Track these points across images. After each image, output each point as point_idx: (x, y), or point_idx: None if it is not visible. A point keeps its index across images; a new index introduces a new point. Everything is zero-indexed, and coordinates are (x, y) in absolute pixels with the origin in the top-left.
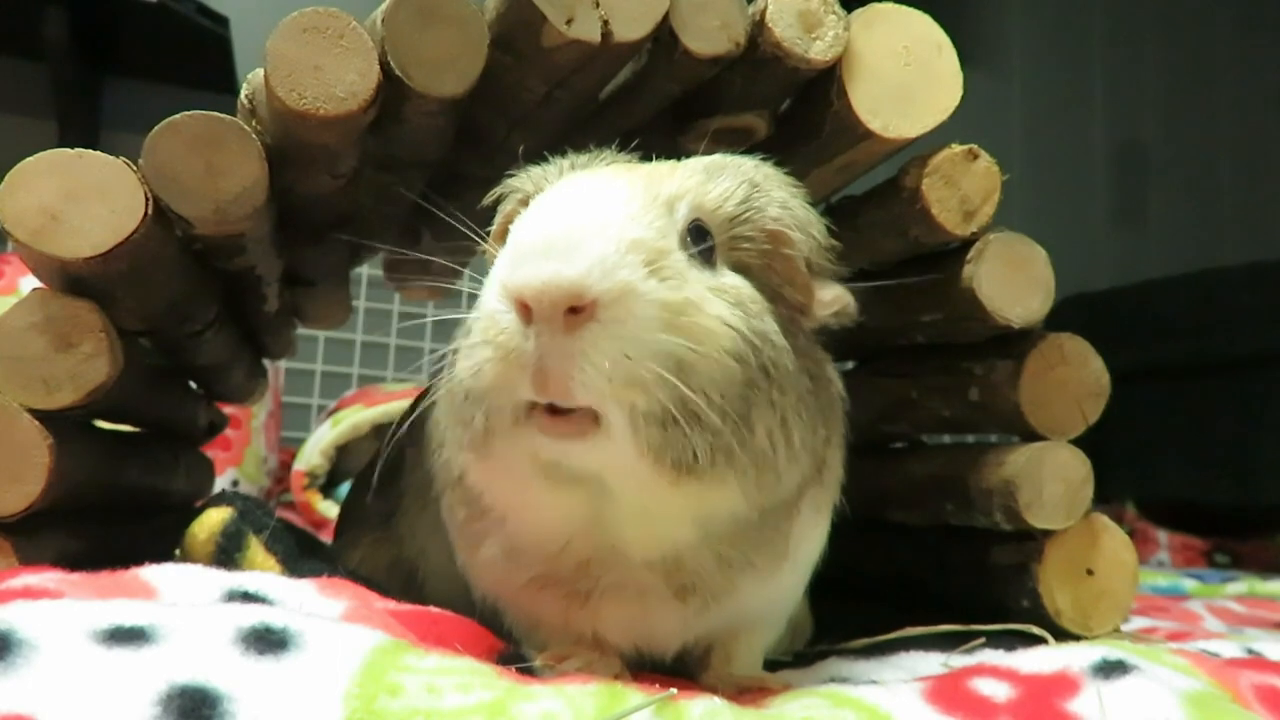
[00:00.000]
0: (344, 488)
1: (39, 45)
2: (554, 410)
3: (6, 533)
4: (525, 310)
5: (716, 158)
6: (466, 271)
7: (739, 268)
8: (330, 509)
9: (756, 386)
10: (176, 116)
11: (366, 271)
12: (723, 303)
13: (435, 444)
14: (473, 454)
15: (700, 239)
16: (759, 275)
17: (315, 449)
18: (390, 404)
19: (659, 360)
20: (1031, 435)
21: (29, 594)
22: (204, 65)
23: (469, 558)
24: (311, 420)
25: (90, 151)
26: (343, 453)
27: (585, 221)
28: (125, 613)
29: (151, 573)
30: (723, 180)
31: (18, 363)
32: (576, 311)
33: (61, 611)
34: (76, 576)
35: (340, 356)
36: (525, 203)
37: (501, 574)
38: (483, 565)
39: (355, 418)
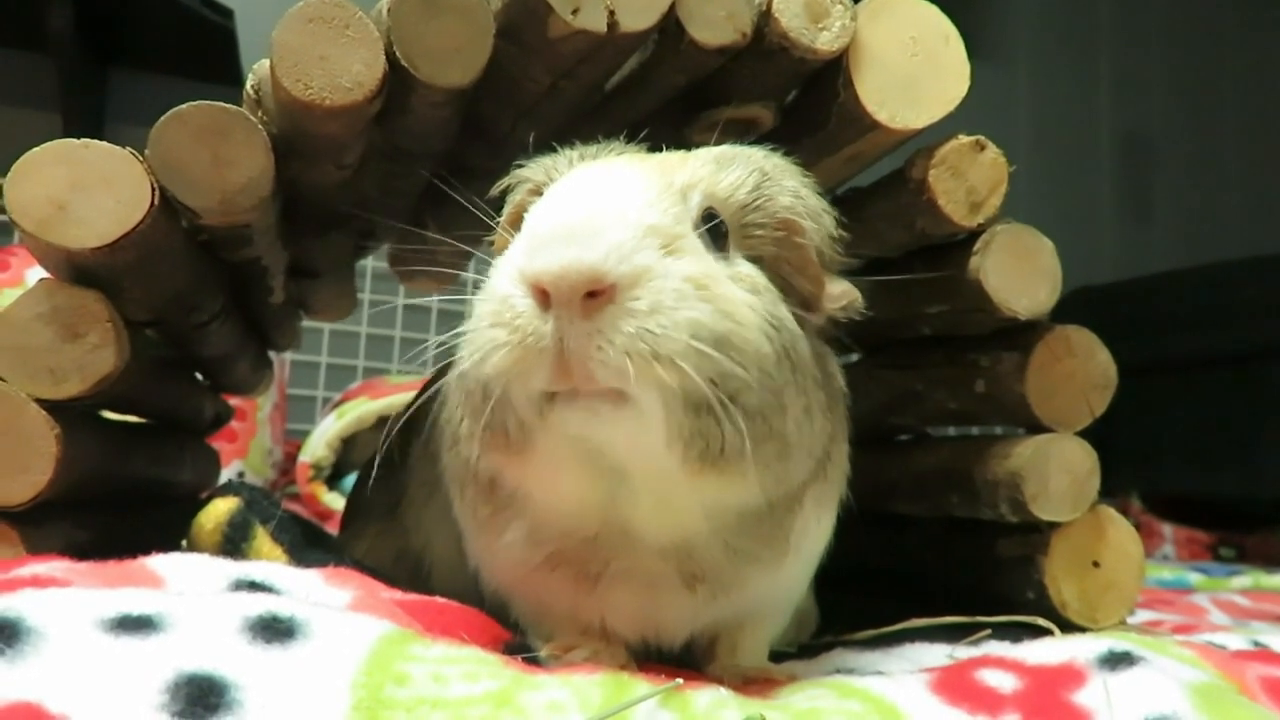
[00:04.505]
0: (349, 480)
1: (44, 37)
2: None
3: (14, 522)
4: (543, 296)
5: (726, 148)
6: (472, 261)
7: (751, 257)
8: (335, 501)
9: (784, 367)
10: (182, 107)
11: (371, 263)
12: (739, 288)
13: (449, 440)
14: (505, 454)
15: (714, 228)
16: (770, 264)
17: (320, 441)
18: (395, 396)
19: (685, 330)
20: (1038, 427)
21: (37, 583)
22: (209, 57)
23: (484, 549)
24: (317, 412)
25: (96, 142)
26: (348, 445)
27: (602, 208)
28: (133, 601)
29: (159, 562)
30: (734, 170)
31: (25, 353)
32: (595, 295)
33: (69, 600)
34: (84, 565)
35: (345, 348)
36: (535, 192)
37: (516, 559)
38: (500, 551)
39: (360, 409)
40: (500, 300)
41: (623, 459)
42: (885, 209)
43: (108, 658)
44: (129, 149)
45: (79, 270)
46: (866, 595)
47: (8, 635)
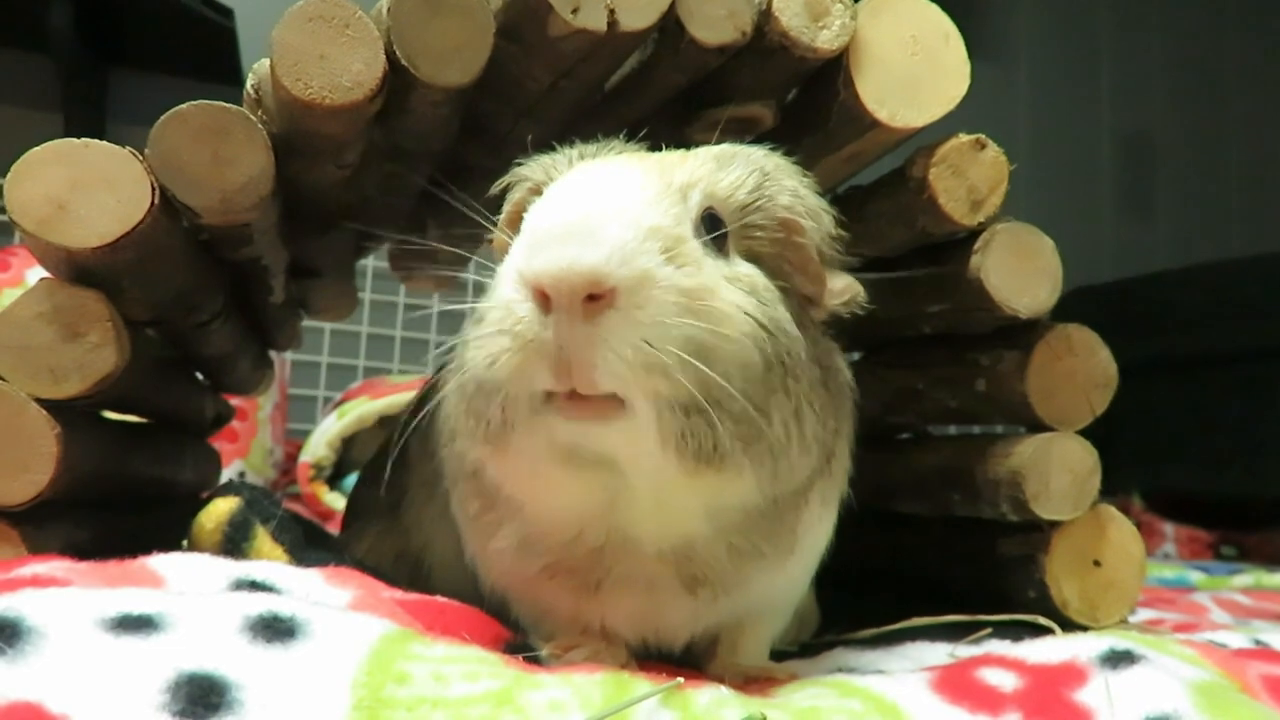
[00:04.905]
0: (350, 479)
1: (44, 37)
2: (574, 395)
3: (14, 522)
4: (543, 298)
5: (726, 147)
6: (473, 261)
7: (750, 256)
8: (336, 501)
9: (773, 374)
10: (183, 106)
11: (372, 263)
12: (738, 291)
13: (446, 436)
14: (490, 446)
15: (713, 227)
16: (770, 264)
17: (321, 441)
18: (396, 395)
19: (680, 345)
20: (1039, 426)
21: (37, 582)
22: (209, 57)
23: (480, 549)
24: (317, 412)
25: (97, 141)
26: (349, 444)
27: (602, 208)
28: (133, 601)
29: (159, 562)
30: (734, 169)
31: (25, 352)
32: (595, 299)
33: (69, 599)
34: (84, 565)
35: (346, 348)
36: (535, 191)
37: (513, 564)
38: (494, 555)
39: (361, 409)
40: (504, 306)
41: (620, 463)
42: (886, 208)
43: (108, 657)
44: (129, 148)
45: (79, 270)
46: (867, 594)
47: (8, 635)
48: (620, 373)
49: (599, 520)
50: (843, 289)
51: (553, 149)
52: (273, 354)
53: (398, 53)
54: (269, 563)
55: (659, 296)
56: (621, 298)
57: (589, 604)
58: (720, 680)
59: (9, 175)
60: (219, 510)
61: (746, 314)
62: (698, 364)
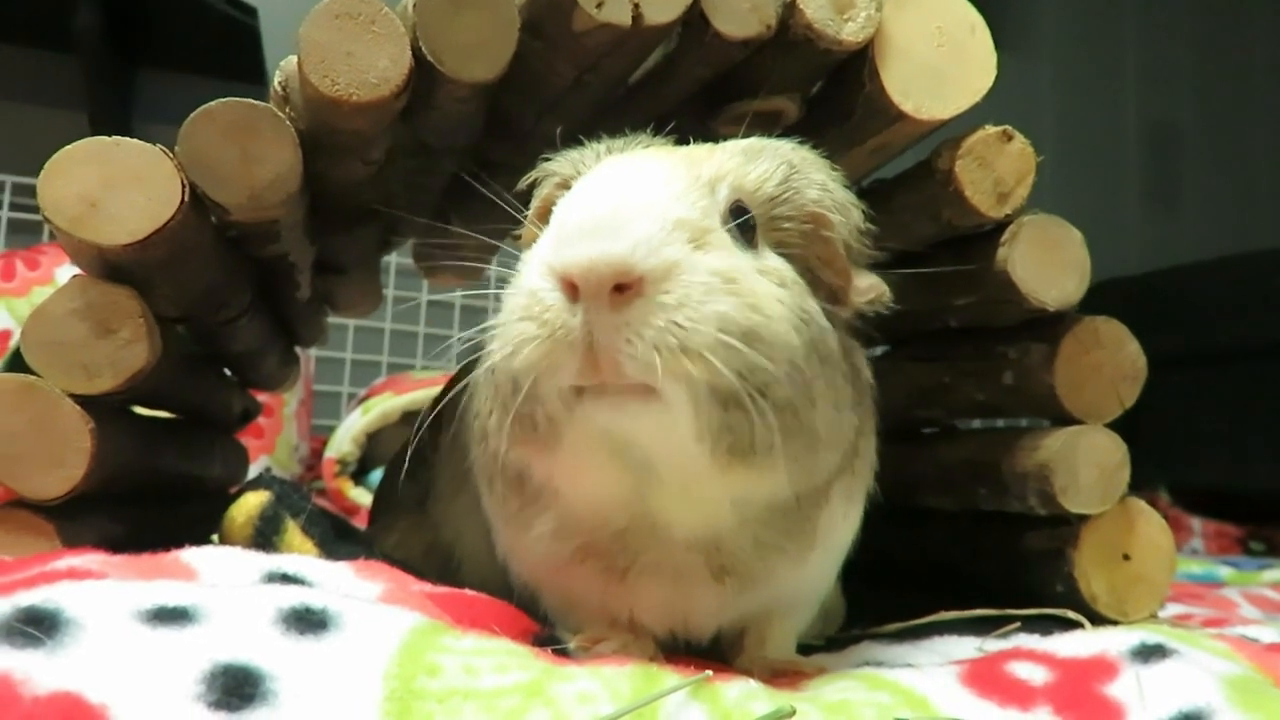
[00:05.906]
0: (375, 475)
1: (70, 37)
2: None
3: (49, 516)
4: (572, 289)
5: (753, 140)
6: (496, 256)
7: (778, 249)
8: (362, 496)
9: (812, 360)
10: (211, 104)
11: (395, 260)
12: (767, 281)
13: (478, 435)
14: (533, 446)
15: (741, 221)
16: (798, 258)
17: (346, 436)
18: (420, 391)
19: (714, 323)
20: (1066, 419)
21: (73, 575)
22: (233, 56)
23: (514, 542)
24: (342, 408)
25: (128, 139)
26: (373, 440)
27: (630, 201)
28: (168, 593)
29: (192, 555)
30: (761, 162)
31: (59, 348)
32: (623, 289)
33: (106, 592)
34: (118, 558)
35: (370, 344)
36: (563, 186)
37: (546, 552)
38: (528, 547)
39: (385, 405)
40: (529, 294)
41: (650, 452)
42: (911, 200)
43: (145, 649)
44: (159, 146)
45: (111, 267)
46: (894, 589)
47: (47, 626)
48: (648, 359)
49: (624, 506)
50: (868, 287)
51: (579, 144)
52: (298, 350)
53: (423, 48)
54: (300, 556)
55: (687, 280)
56: (649, 287)
57: (617, 592)
58: (748, 674)
59: (41, 174)
60: (250, 504)
61: (780, 302)
62: (737, 344)
